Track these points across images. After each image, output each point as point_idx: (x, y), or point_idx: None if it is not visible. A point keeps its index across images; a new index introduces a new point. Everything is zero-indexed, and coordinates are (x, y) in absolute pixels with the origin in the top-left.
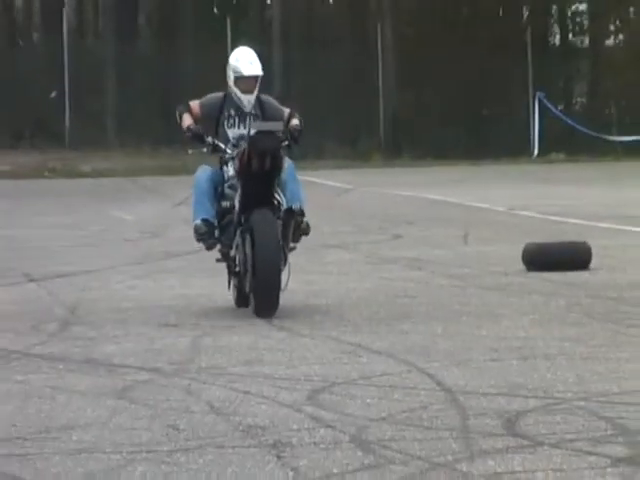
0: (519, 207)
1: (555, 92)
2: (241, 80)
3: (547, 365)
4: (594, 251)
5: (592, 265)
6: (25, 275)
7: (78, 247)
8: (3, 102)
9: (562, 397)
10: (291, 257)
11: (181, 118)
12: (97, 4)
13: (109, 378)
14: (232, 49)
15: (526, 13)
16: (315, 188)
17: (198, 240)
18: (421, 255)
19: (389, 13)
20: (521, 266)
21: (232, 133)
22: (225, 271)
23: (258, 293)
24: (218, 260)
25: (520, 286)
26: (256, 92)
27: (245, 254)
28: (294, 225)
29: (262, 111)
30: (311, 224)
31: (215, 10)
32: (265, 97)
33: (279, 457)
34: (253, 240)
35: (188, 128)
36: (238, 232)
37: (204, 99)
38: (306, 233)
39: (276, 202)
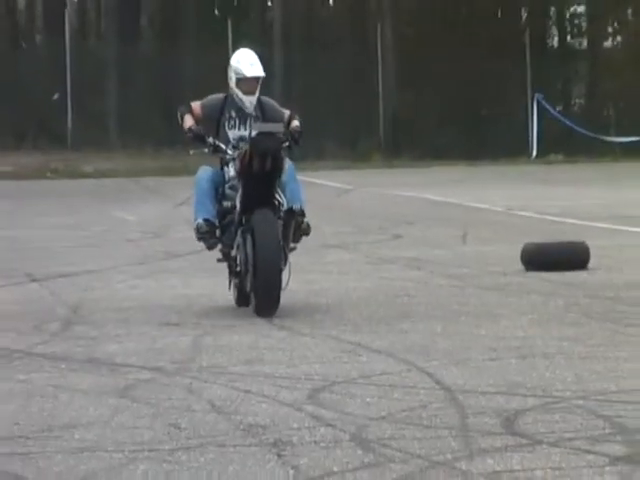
0: (518, 207)
1: (553, 93)
2: (243, 81)
3: (546, 364)
4: (592, 251)
5: (590, 265)
6: (27, 275)
7: (80, 247)
8: (6, 103)
9: (561, 396)
10: (292, 257)
11: (182, 119)
12: (99, 6)
13: (111, 377)
14: (233, 50)
15: (525, 15)
16: (315, 188)
17: (199, 239)
18: (420, 255)
19: (389, 14)
20: (520, 266)
21: (232, 134)
22: (226, 271)
23: (259, 292)
24: (219, 260)
25: (519, 286)
26: (257, 93)
27: (246, 254)
28: (295, 225)
29: (262, 113)
30: (311, 224)
31: (216, 12)
32: (265, 99)
33: (280, 456)
34: (254, 240)
35: (189, 129)
36: (239, 232)
37: (205, 100)
38: (307, 233)
39: (277, 202)
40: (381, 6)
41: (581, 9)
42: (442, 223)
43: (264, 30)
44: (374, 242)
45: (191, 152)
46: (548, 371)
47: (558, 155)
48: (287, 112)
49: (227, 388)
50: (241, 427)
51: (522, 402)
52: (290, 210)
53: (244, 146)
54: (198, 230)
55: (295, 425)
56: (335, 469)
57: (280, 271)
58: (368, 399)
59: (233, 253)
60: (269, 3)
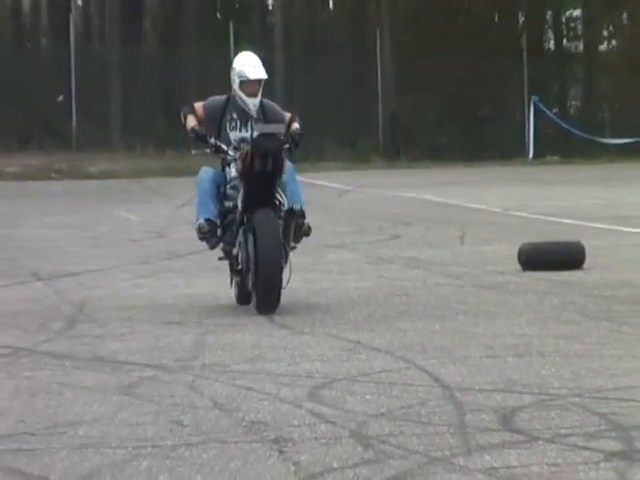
0: (515, 208)
1: (550, 96)
2: (246, 84)
3: (542, 362)
4: (588, 251)
5: (586, 265)
6: (33, 274)
7: (84, 247)
8: (11, 105)
9: (557, 393)
10: (293, 256)
11: (185, 119)
12: (103, 9)
13: (115, 375)
14: (235, 53)
15: (521, 19)
16: (316, 189)
17: (201, 239)
18: (419, 255)
19: (387, 20)
20: (517, 265)
21: (234, 136)
22: (227, 270)
23: (260, 290)
24: (220, 258)
25: (516, 285)
26: (260, 95)
27: (247, 252)
28: (295, 226)
29: (264, 115)
30: (312, 224)
31: (218, 15)
32: (267, 101)
33: (281, 452)
34: (255, 239)
35: (192, 129)
36: (240, 231)
37: (207, 101)
38: (307, 234)
39: (277, 202)
40: (380, 11)
41: (577, 13)
42: (441, 223)
43: (265, 34)
44: (374, 242)
45: (193, 152)
46: (544, 369)
47: (554, 156)
48: (288, 115)
49: (229, 385)
50: (243, 424)
51: (519, 399)
52: (290, 210)
53: (245, 147)
54: (200, 230)
55: (296, 422)
56: (335, 465)
57: (281, 269)
58: (368, 396)
59: (235, 252)
60: (270, 7)
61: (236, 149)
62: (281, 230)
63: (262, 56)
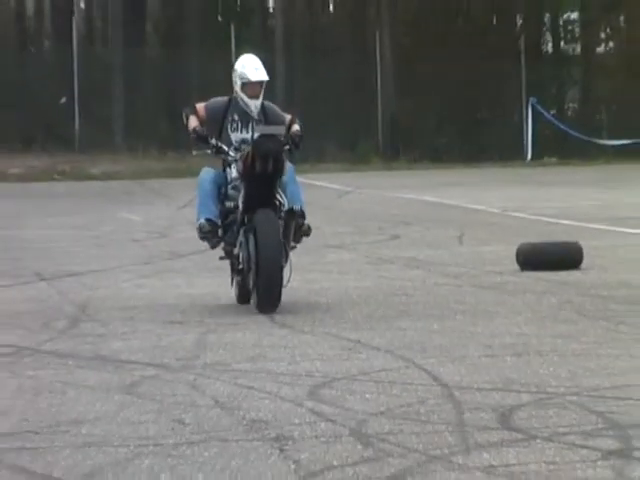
0: (513, 209)
1: (548, 98)
2: (248, 85)
3: (540, 361)
4: (586, 251)
5: (584, 265)
6: (36, 274)
7: (87, 247)
8: (15, 107)
9: (555, 392)
10: (293, 257)
11: (187, 119)
12: (106, 12)
13: (117, 374)
14: (236, 56)
15: (519, 22)
16: (316, 190)
17: (202, 238)
18: (418, 255)
19: (387, 22)
20: (515, 266)
21: (235, 137)
22: (228, 270)
23: (261, 290)
24: (221, 258)
25: (514, 285)
26: (261, 97)
27: (248, 252)
28: (295, 226)
29: (265, 116)
30: (312, 225)
31: (219, 18)
32: (268, 103)
33: (281, 450)
34: (256, 239)
35: (193, 130)
36: (241, 231)
37: (209, 102)
38: (307, 234)
39: (278, 202)
40: (380, 14)
41: (575, 15)
42: (440, 224)
43: (266, 36)
44: (373, 242)
45: (194, 153)
46: (542, 368)
47: (552, 158)
48: (288, 116)
49: (230, 384)
50: (244, 422)
51: (517, 398)
52: (291, 210)
53: (246, 148)
54: (201, 230)
55: (296, 420)
56: (335, 463)
57: (281, 269)
58: (367, 395)
59: (235, 251)
60: (271, 10)
61: (237, 150)
62: (281, 230)
63: (263, 58)
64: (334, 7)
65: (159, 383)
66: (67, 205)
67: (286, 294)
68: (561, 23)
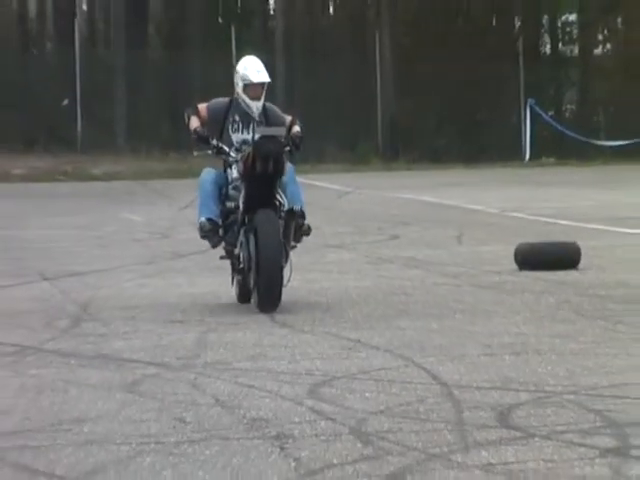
0: (512, 209)
1: (546, 99)
2: (250, 87)
3: (538, 360)
4: (583, 251)
5: (581, 265)
6: (39, 274)
7: (90, 247)
8: (17, 109)
9: (553, 391)
10: (293, 256)
11: (189, 120)
12: (108, 14)
13: (119, 372)
14: (237, 57)
15: (518, 23)
16: (316, 191)
17: (203, 237)
18: (418, 255)
19: (387, 24)
20: (513, 265)
21: (236, 138)
22: (229, 269)
23: (261, 289)
24: (222, 257)
25: (512, 285)
26: (263, 99)
27: (249, 252)
28: (295, 226)
29: (266, 118)
30: (312, 225)
31: (220, 20)
32: (269, 105)
33: (282, 448)
34: (257, 239)
35: (194, 130)
36: (242, 231)
37: (211, 103)
38: (307, 234)
39: (278, 203)
40: (379, 15)
41: (572, 17)
42: (439, 224)
43: (266, 38)
44: (373, 242)
45: (195, 153)
46: (541, 367)
47: (550, 158)
48: (289, 118)
49: (231, 383)
50: (244, 421)
51: (515, 397)
52: (291, 210)
53: (247, 149)
54: (202, 228)
55: (297, 419)
56: (335, 461)
57: (281, 268)
58: (367, 394)
59: (236, 251)
60: (271, 12)
61: (238, 151)
62: (282, 230)
63: (263, 60)
64: (334, 9)
65: (160, 382)
66: (70, 205)
67: (286, 294)
68: (559, 25)
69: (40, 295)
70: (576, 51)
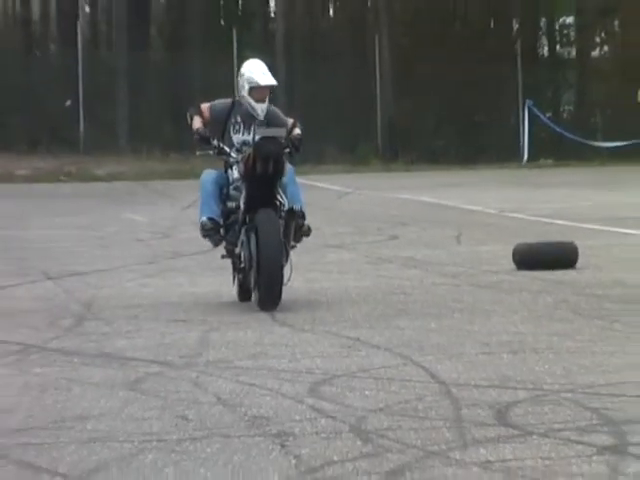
0: (510, 209)
1: (544, 101)
2: (256, 89)
3: (536, 359)
4: (581, 251)
5: (579, 264)
6: (43, 273)
7: (92, 247)
8: (21, 110)
9: (550, 389)
10: (294, 256)
11: (192, 119)
12: (110, 17)
13: (121, 371)
14: (238, 59)
15: (516, 26)
16: (316, 191)
17: (204, 236)
18: (417, 255)
19: (386, 26)
20: (511, 265)
21: (237, 138)
22: (230, 269)
23: (262, 288)
24: (223, 256)
25: (510, 284)
26: (267, 101)
27: (250, 251)
28: (295, 227)
29: (268, 120)
30: (312, 225)
31: (222, 22)
32: (271, 107)
33: (282, 446)
34: (257, 238)
35: (196, 131)
36: (243, 231)
37: (213, 103)
38: (307, 234)
39: (278, 203)
40: (379, 18)
41: (570, 20)
42: (437, 224)
43: (267, 40)
44: (372, 242)
45: (197, 153)
46: (538, 365)
47: (548, 159)
48: (290, 121)
49: (232, 382)
50: (246, 419)
51: (513, 395)
52: (291, 210)
53: (248, 150)
54: (203, 227)
55: (297, 417)
56: (335, 459)
57: (282, 267)
58: (367, 392)
59: (237, 251)
60: (272, 14)
61: (239, 151)
62: (282, 229)
63: (265, 62)
64: (334, 12)
65: (163, 380)
66: (72, 206)
67: (287, 293)
68: (557, 27)
69: (44, 294)
70: (573, 53)
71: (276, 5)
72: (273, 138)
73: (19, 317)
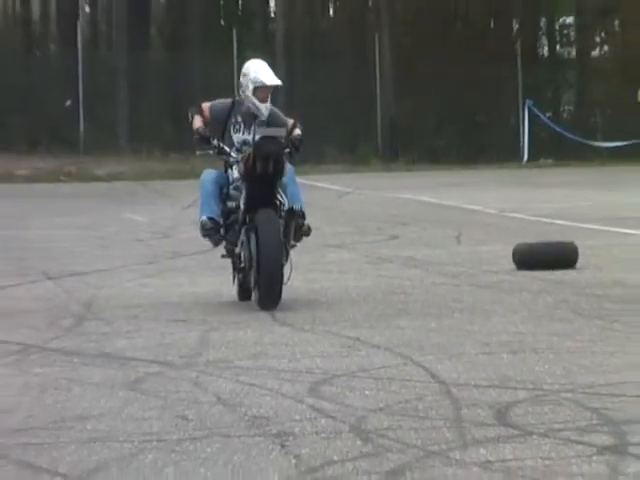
0: (510, 209)
1: (544, 101)
2: (261, 89)
3: (536, 359)
4: (581, 251)
5: (579, 264)
6: (43, 273)
7: (92, 247)
8: (21, 110)
9: (550, 389)
10: (294, 256)
11: (192, 119)
12: (111, 17)
13: (121, 371)
14: (238, 59)
15: (516, 26)
16: (316, 191)
17: (204, 236)
18: (417, 254)
19: (387, 26)
20: (511, 265)
21: (237, 138)
22: (230, 268)
23: (262, 287)
24: (223, 256)
25: (510, 284)
26: (269, 101)
27: (250, 251)
28: (295, 226)
29: (269, 120)
30: (312, 225)
31: (222, 22)
32: (273, 107)
33: (282, 446)
34: (257, 238)
35: (197, 131)
36: (243, 230)
37: (214, 103)
38: (307, 234)
39: (278, 202)
40: (379, 18)
41: (570, 20)
42: (438, 224)
43: (267, 40)
44: (372, 242)
45: (197, 153)
46: (538, 365)
47: (548, 159)
48: (291, 121)
49: (232, 381)
50: (246, 419)
51: (513, 395)
52: (291, 210)
53: (248, 150)
54: (203, 227)
55: (297, 417)
56: (335, 458)
57: (282, 267)
58: (367, 392)
59: (237, 250)
60: (272, 14)
61: (239, 151)
62: (282, 229)
63: (265, 62)
64: (334, 11)
65: (163, 380)
66: (72, 206)
67: (287, 292)
68: (557, 27)
69: (44, 294)
70: (574, 53)
71: (276, 5)
72: (273, 138)
73: (19, 317)
